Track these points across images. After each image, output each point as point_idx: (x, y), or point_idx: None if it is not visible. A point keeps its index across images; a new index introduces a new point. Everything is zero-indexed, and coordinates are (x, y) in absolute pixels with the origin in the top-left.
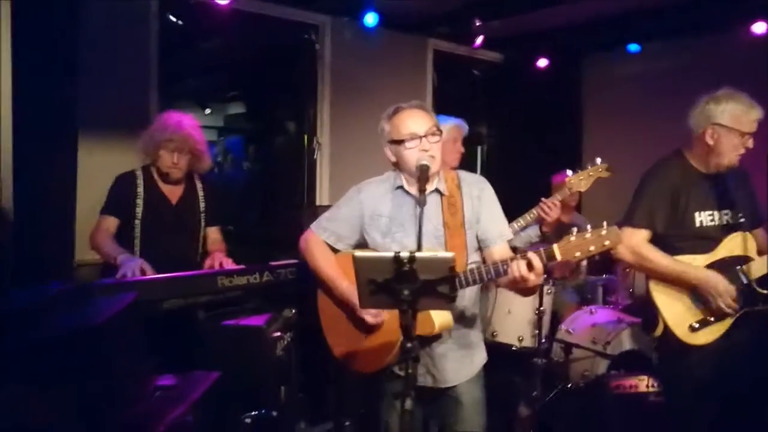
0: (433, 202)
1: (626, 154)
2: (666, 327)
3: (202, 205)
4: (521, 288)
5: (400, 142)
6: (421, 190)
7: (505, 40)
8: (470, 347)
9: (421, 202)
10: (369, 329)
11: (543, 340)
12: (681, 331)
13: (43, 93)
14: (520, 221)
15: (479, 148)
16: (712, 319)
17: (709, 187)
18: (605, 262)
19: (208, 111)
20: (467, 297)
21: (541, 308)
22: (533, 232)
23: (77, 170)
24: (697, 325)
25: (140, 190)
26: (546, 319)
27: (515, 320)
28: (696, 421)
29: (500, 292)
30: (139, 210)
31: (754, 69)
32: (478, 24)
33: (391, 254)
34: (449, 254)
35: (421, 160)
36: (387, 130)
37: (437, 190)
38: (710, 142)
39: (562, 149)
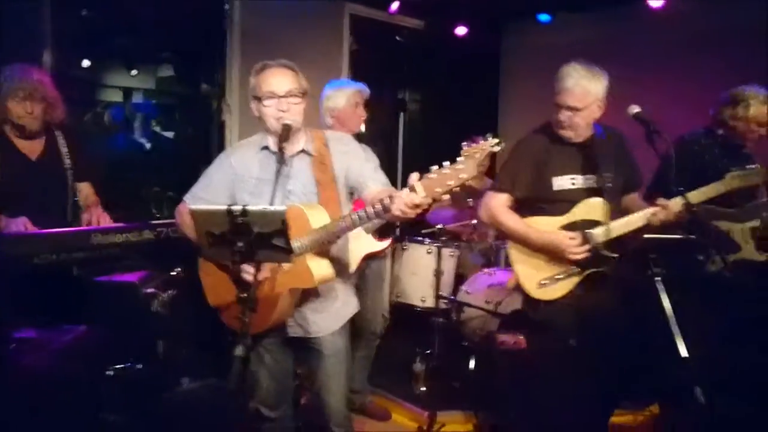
0: (301, 162)
1: (540, 121)
2: (518, 281)
3: (67, 160)
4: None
5: (259, 99)
6: (280, 149)
7: (425, 6)
8: (336, 300)
9: (278, 160)
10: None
11: (446, 301)
12: (530, 286)
13: None
14: None
15: (402, 114)
16: (560, 276)
17: (573, 153)
18: None
19: (134, 72)
20: (335, 250)
21: (440, 269)
22: None
23: None
24: (545, 282)
25: None
26: (447, 280)
27: (419, 282)
28: (552, 368)
29: (405, 255)
30: None
31: (656, 40)
32: None
33: (224, 207)
34: (281, 208)
35: (284, 120)
36: (252, 84)
37: (304, 151)
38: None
39: (481, 116)
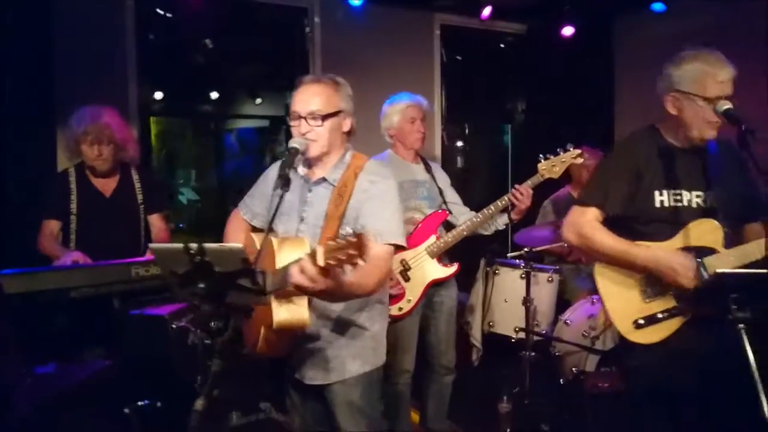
0: (321, 191)
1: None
2: (610, 319)
3: (139, 196)
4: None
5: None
6: (281, 175)
7: (526, 9)
8: (340, 349)
9: (276, 185)
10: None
11: (544, 331)
12: (624, 326)
13: (20, 88)
14: (491, 207)
15: (509, 127)
16: (661, 316)
17: (682, 164)
18: None
19: (258, 101)
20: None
21: (529, 297)
22: (501, 220)
23: (56, 165)
24: (642, 322)
25: (73, 186)
26: (544, 309)
27: (512, 310)
28: (648, 419)
29: (496, 279)
30: (73, 206)
31: None
32: None
33: (181, 245)
34: (238, 245)
35: (292, 142)
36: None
37: (324, 179)
38: (672, 111)
39: (595, 120)
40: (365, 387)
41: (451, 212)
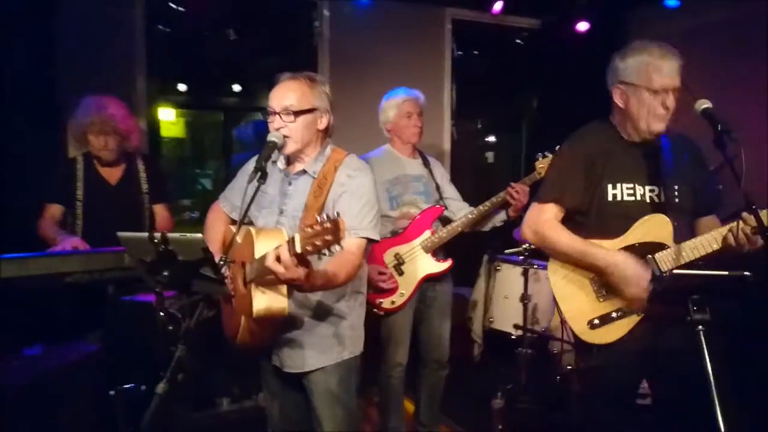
0: (302, 183)
1: (679, 118)
2: (564, 320)
3: (144, 185)
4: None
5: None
6: (257, 168)
7: (540, 3)
8: (321, 337)
9: (251, 178)
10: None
11: (543, 329)
12: (579, 326)
13: (25, 84)
14: (487, 204)
15: (523, 123)
16: (615, 315)
17: (634, 158)
18: None
19: None
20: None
21: (528, 294)
22: (498, 218)
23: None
24: (597, 322)
25: (80, 174)
26: (545, 306)
27: (511, 306)
28: (608, 421)
29: (498, 276)
30: (79, 193)
31: None
32: None
33: (146, 234)
34: (198, 236)
35: (270, 137)
36: None
37: (305, 171)
38: (619, 103)
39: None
40: (342, 375)
41: (447, 207)
